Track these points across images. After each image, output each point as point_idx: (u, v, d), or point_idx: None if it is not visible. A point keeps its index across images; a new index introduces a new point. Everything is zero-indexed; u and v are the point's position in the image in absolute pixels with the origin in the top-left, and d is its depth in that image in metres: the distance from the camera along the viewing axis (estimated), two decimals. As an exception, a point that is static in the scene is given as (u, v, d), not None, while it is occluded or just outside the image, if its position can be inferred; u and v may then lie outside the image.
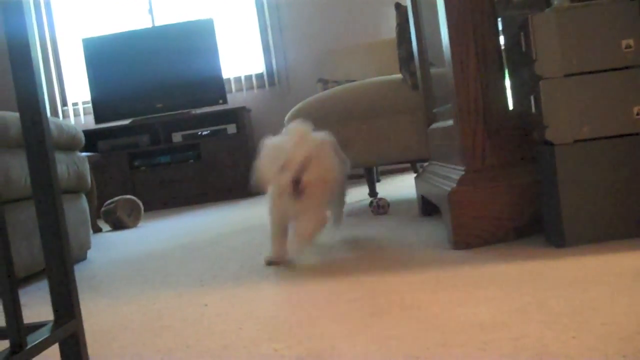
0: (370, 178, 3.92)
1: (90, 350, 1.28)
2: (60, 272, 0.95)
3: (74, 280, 0.97)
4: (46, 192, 0.95)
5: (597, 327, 1.02)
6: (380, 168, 6.00)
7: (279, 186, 1.91)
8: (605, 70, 1.63)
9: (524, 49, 1.71)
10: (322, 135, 1.99)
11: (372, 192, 3.93)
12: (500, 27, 1.89)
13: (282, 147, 1.92)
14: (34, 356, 0.84)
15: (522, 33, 1.71)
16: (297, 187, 1.85)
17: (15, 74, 0.94)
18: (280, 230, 2.05)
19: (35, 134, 0.94)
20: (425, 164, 2.80)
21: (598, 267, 1.41)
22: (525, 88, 1.78)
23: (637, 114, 1.62)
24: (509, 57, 1.90)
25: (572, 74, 1.63)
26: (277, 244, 2.03)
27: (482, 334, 1.06)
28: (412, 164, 5.21)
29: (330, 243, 2.29)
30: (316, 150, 1.90)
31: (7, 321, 0.82)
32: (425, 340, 1.07)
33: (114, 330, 1.45)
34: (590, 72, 1.63)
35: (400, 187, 4.47)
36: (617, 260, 1.45)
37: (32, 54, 0.94)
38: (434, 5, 1.98)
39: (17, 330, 0.82)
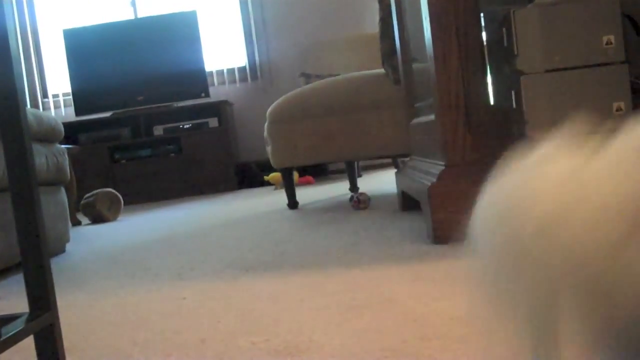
0: (351, 173, 3.93)
1: (66, 343, 1.27)
2: (36, 263, 0.94)
3: (49, 272, 0.96)
4: (23, 184, 0.94)
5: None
6: (362, 163, 6.00)
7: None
8: (585, 67, 1.64)
9: (505, 44, 1.71)
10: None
11: (353, 187, 3.94)
12: (482, 23, 1.90)
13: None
14: (7, 348, 0.83)
15: (504, 28, 1.71)
16: None
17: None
18: None
19: (13, 126, 0.93)
20: (406, 159, 2.80)
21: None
22: (506, 83, 1.78)
23: (617, 110, 1.63)
24: (490, 52, 1.90)
25: (553, 70, 1.64)
26: None
27: (459, 327, 1.07)
28: (393, 159, 5.22)
29: (309, 237, 2.29)
30: None
31: (-19, 312, 0.81)
32: (403, 334, 1.07)
33: (91, 323, 1.44)
34: (571, 68, 1.64)
35: (381, 182, 4.48)
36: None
37: (11, 44, 0.93)
38: (417, 0, 1.98)
39: (-9, 321, 0.81)
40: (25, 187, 0.94)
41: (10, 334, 0.84)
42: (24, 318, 0.91)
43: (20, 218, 0.94)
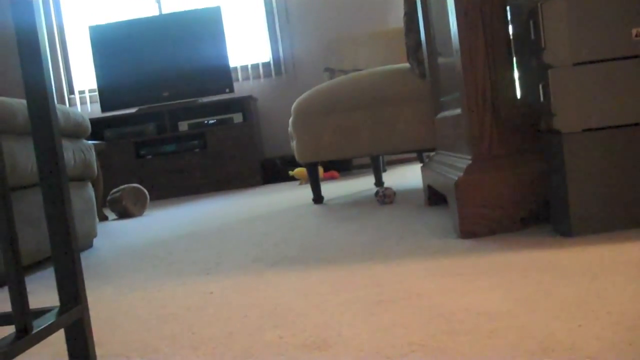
0: (377, 167, 3.92)
1: (95, 337, 1.29)
2: (67, 258, 0.95)
3: (79, 266, 0.97)
4: (53, 179, 0.95)
5: (604, 316, 1.01)
6: (387, 158, 5.99)
7: None
8: (614, 59, 1.62)
9: (532, 37, 1.69)
10: None
11: (378, 182, 3.93)
12: (509, 16, 1.88)
13: None
14: (39, 341, 0.83)
15: (531, 21, 1.69)
16: None
17: (23, 61, 0.93)
18: None
19: (43, 122, 0.94)
20: (432, 153, 2.79)
21: (605, 256, 1.41)
22: (533, 77, 1.77)
23: (646, 104, 1.61)
24: (517, 45, 1.88)
25: (581, 63, 1.62)
26: None
27: (487, 322, 1.06)
28: (418, 154, 5.20)
29: (335, 232, 2.29)
30: None
31: (13, 306, 0.82)
32: (430, 329, 1.07)
33: (119, 317, 1.45)
34: (599, 61, 1.62)
35: (407, 176, 4.46)
36: (624, 250, 1.44)
37: (40, 42, 0.93)
38: (442, -7, 1.97)
39: (23, 314, 0.82)
40: (55, 183, 0.95)
41: (42, 327, 0.85)
42: (54, 312, 0.92)
43: (50, 213, 0.95)
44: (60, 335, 1.32)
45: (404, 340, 1.03)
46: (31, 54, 0.94)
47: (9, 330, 1.40)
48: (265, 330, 1.19)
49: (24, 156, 2.19)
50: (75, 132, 2.67)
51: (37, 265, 2.46)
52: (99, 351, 1.18)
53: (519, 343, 0.95)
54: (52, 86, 0.95)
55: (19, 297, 0.82)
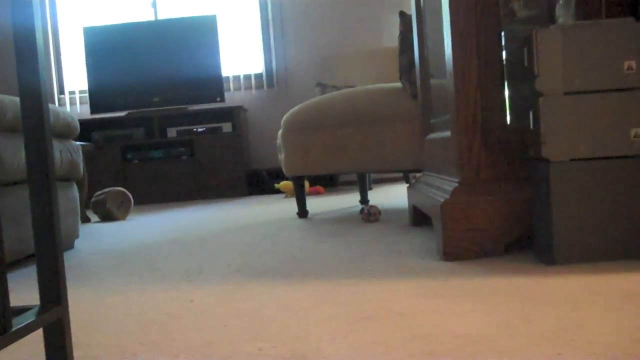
0: (363, 185, 3.93)
1: (73, 339, 1.27)
2: (50, 257, 0.95)
3: (62, 266, 0.96)
4: (41, 178, 0.94)
5: (584, 345, 1.01)
6: (373, 177, 6.00)
7: None
8: (605, 91, 1.63)
9: (526, 64, 1.71)
10: None
11: (364, 199, 3.93)
12: (503, 42, 1.90)
13: None
14: (18, 339, 0.83)
15: (525, 48, 1.71)
16: None
17: (19, 61, 0.93)
18: None
19: (36, 122, 0.93)
20: (418, 174, 2.80)
21: (587, 286, 1.41)
22: (524, 103, 1.78)
23: (635, 136, 1.62)
24: (509, 71, 1.90)
25: (573, 92, 1.63)
26: None
27: (468, 345, 1.06)
28: (404, 174, 5.22)
29: (319, 247, 2.29)
30: None
31: (-7, 302, 0.81)
32: (411, 349, 1.07)
33: (97, 319, 1.44)
34: (590, 92, 1.64)
35: (392, 196, 4.47)
36: (606, 281, 1.45)
37: (38, 43, 0.94)
38: (439, 15, 1.98)
39: (3, 312, 0.81)
40: (43, 182, 0.94)
41: (21, 325, 0.84)
42: (34, 310, 0.91)
43: (37, 211, 0.94)
44: (37, 335, 1.31)
45: (383, 359, 1.03)
46: (28, 54, 0.93)
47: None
48: (245, 341, 1.19)
49: (10, 153, 2.17)
50: (64, 132, 2.66)
51: (16, 263, 2.44)
52: (76, 353, 1.17)
53: (499, 367, 0.95)
54: (47, 86, 0.95)
55: (0, 294, 0.81)
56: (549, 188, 1.64)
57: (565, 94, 1.63)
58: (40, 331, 0.93)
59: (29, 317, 0.88)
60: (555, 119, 1.63)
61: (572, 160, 1.64)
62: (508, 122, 1.89)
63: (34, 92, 0.93)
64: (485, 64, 1.85)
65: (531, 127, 1.71)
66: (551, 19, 1.96)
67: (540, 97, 1.64)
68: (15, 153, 2.20)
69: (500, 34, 1.86)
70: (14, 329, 0.82)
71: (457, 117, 1.86)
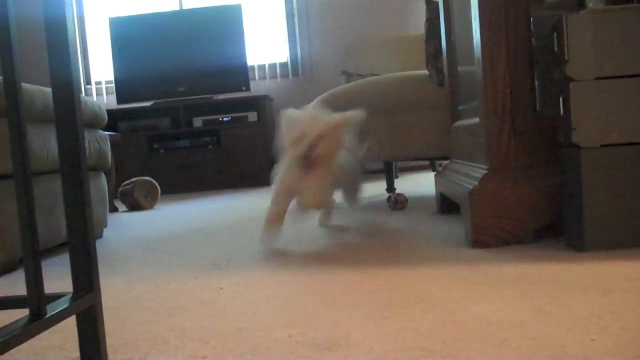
0: (389, 173, 3.91)
1: (105, 326, 1.29)
2: (82, 245, 0.95)
3: (94, 254, 0.97)
4: (74, 167, 0.95)
5: (617, 332, 1.00)
6: (399, 164, 5.98)
7: (291, 156, 2.00)
8: (637, 75, 1.61)
9: (555, 49, 1.69)
10: (338, 117, 2.04)
11: (390, 187, 3.92)
12: (531, 27, 1.88)
13: (300, 120, 1.99)
14: (52, 325, 0.84)
15: (555, 33, 1.69)
16: (307, 160, 1.93)
17: (51, 52, 0.94)
18: (282, 198, 2.09)
19: (67, 111, 0.94)
20: (445, 162, 2.78)
21: (618, 273, 1.40)
22: (553, 89, 1.76)
23: (667, 122, 1.60)
24: (538, 57, 1.88)
25: (604, 77, 1.61)
26: (276, 206, 2.08)
27: (498, 331, 1.06)
28: (430, 162, 5.20)
29: (347, 234, 2.29)
30: (330, 130, 1.97)
31: (28, 289, 0.82)
32: (441, 335, 1.06)
33: (128, 307, 1.46)
34: (622, 77, 1.61)
35: (418, 184, 4.46)
36: (638, 268, 1.43)
37: (69, 34, 0.95)
38: (466, 2, 1.96)
39: (38, 298, 0.82)
40: (76, 170, 0.95)
41: (55, 312, 0.85)
42: (67, 297, 0.92)
43: (69, 200, 0.95)
44: (70, 322, 1.32)
45: (414, 345, 1.02)
46: (59, 45, 0.95)
47: (20, 314, 1.40)
48: (275, 328, 1.19)
49: (40, 143, 2.19)
50: (92, 121, 2.68)
51: (45, 252, 2.46)
52: (108, 340, 1.18)
53: (530, 354, 0.94)
54: (78, 77, 0.96)
55: (35, 280, 0.82)
56: (579, 174, 1.62)
57: (596, 79, 1.61)
58: (73, 318, 0.94)
59: (62, 304, 0.88)
60: (585, 105, 1.61)
61: (602, 146, 1.62)
62: (537, 108, 1.87)
63: (66, 83, 0.94)
64: (514, 50, 1.83)
65: (561, 112, 1.69)
66: (579, 3, 1.93)
67: (571, 83, 1.62)
68: (45, 143, 2.22)
69: (529, 19, 1.84)
70: (48, 315, 0.83)
71: (486, 104, 1.85)
